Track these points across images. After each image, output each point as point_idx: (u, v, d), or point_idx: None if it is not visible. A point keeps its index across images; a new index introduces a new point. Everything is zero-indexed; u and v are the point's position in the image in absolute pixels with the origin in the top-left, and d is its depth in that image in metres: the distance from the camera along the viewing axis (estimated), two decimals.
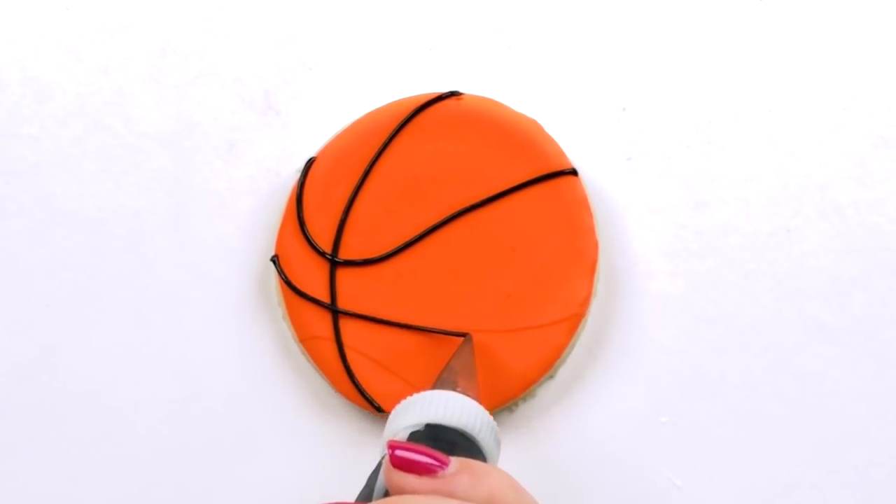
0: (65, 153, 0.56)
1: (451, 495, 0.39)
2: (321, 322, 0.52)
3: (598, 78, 0.56)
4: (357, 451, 0.52)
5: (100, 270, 0.54)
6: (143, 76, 0.56)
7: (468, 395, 0.45)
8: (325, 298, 0.52)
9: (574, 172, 0.53)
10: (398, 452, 0.40)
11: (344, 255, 0.53)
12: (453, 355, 0.50)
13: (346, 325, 0.52)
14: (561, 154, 0.53)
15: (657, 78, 0.55)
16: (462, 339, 0.51)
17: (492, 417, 0.45)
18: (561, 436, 0.52)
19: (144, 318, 0.54)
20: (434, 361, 0.51)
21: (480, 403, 0.45)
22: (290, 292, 0.53)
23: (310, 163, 0.54)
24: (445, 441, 0.43)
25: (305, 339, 0.52)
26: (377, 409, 0.51)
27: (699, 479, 0.52)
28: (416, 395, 0.45)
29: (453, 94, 0.54)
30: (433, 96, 0.54)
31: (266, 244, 0.54)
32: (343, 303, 0.52)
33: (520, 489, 0.40)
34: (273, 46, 0.56)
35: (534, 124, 0.53)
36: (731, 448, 0.52)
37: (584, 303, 0.52)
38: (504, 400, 0.51)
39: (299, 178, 0.54)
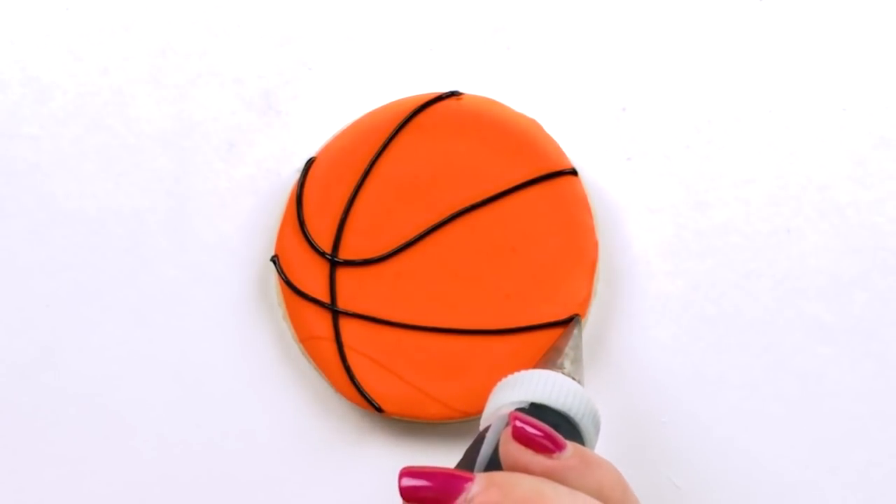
0: (65, 153, 0.56)
1: (562, 481, 0.39)
2: (321, 322, 0.52)
3: (598, 78, 0.56)
4: (357, 451, 0.52)
5: (100, 270, 0.54)
6: (143, 76, 0.56)
7: (574, 379, 0.45)
8: (325, 298, 0.52)
9: (574, 172, 0.53)
10: (520, 424, 0.40)
11: (344, 254, 0.53)
12: (560, 336, 0.50)
13: (346, 325, 0.52)
14: (561, 154, 0.53)
15: (657, 78, 0.55)
16: (571, 322, 0.51)
17: (595, 405, 0.45)
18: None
19: (144, 318, 0.54)
20: (434, 361, 0.51)
21: (584, 387, 0.46)
22: (290, 292, 0.53)
23: (310, 163, 0.54)
24: (548, 422, 0.42)
25: (305, 339, 0.52)
26: (377, 409, 0.51)
27: (699, 479, 0.52)
28: (523, 372, 0.45)
29: (453, 94, 0.54)
30: (433, 96, 0.54)
31: (266, 244, 0.54)
32: (343, 303, 0.52)
33: (627, 487, 0.40)
34: (273, 46, 0.56)
35: (534, 124, 0.53)
36: (731, 448, 0.52)
37: (584, 303, 0.52)
38: None
39: (299, 178, 0.54)
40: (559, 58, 0.56)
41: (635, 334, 0.53)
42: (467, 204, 0.53)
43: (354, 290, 0.52)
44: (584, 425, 0.44)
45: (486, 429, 0.44)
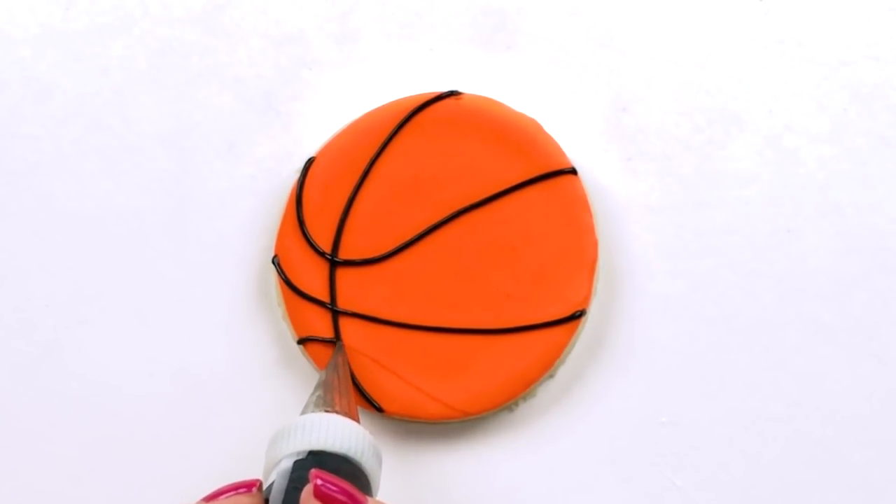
0: (65, 153, 0.56)
1: None
2: (321, 322, 0.52)
3: (598, 78, 0.56)
4: None
5: (100, 270, 0.54)
6: (143, 76, 0.56)
7: (347, 415, 0.46)
8: (325, 298, 0.52)
9: (574, 171, 0.53)
10: (321, 483, 0.42)
11: (343, 254, 0.53)
12: (326, 367, 0.50)
13: (346, 325, 0.52)
14: (560, 153, 0.53)
15: (657, 78, 0.55)
16: (335, 348, 0.52)
17: (372, 437, 0.46)
18: (561, 435, 0.52)
19: (144, 319, 0.54)
20: (434, 361, 0.51)
21: (357, 418, 0.46)
22: (290, 292, 0.53)
23: (309, 162, 0.54)
24: (330, 467, 0.44)
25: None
26: (377, 409, 0.51)
27: (699, 479, 0.52)
28: (297, 420, 0.45)
29: (452, 93, 0.54)
30: (432, 96, 0.54)
31: (266, 244, 0.54)
32: (343, 303, 0.52)
33: None
34: (273, 46, 0.56)
35: (533, 124, 0.53)
36: (731, 448, 0.52)
37: (584, 302, 0.52)
38: (504, 399, 0.51)
39: (299, 178, 0.54)
40: (559, 58, 0.56)
41: (635, 334, 0.53)
42: (467, 203, 0.53)
43: (354, 289, 0.52)
44: (366, 461, 0.45)
45: (272, 484, 0.44)
